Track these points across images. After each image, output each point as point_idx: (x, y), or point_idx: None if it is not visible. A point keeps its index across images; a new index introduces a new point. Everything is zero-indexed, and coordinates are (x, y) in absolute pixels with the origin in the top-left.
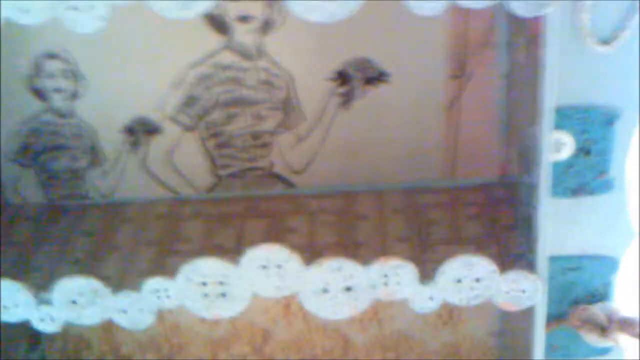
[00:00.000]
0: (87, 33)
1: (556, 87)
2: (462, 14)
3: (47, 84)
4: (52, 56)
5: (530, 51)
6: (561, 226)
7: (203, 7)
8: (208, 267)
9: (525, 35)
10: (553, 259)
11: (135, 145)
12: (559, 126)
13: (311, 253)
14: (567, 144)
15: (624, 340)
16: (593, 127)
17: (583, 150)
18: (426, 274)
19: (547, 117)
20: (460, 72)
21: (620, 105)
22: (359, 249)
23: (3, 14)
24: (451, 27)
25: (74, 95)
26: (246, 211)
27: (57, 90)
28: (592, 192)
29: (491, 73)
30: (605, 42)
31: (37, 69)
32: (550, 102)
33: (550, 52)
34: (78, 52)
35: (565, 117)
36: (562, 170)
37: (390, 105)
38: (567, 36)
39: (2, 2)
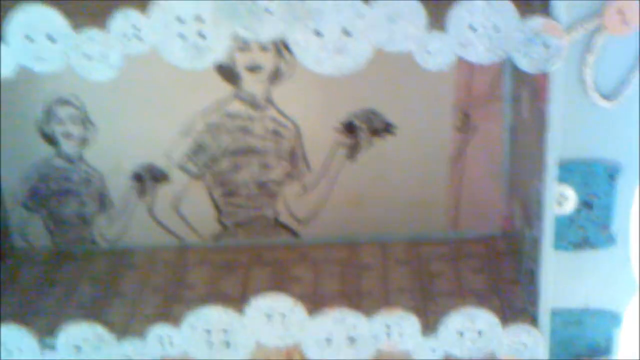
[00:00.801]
0: (100, 81)
1: (559, 141)
2: (468, 67)
3: (57, 129)
4: (63, 102)
5: (535, 105)
6: (564, 280)
7: (214, 58)
8: (212, 315)
9: (530, 89)
10: (555, 313)
11: (142, 192)
12: (562, 180)
13: (315, 303)
14: (569, 198)
15: None
16: (596, 181)
17: (586, 204)
18: (429, 326)
19: (551, 171)
20: (465, 124)
21: (623, 160)
22: (362, 300)
23: (18, 61)
24: (457, 80)
25: (84, 141)
26: (251, 259)
27: (67, 135)
28: (594, 246)
29: (496, 126)
30: (608, 97)
31: (48, 115)
32: (554, 157)
33: (555, 107)
34: (88, 98)
35: (568, 170)
36: (564, 224)
37: (395, 156)
38: (571, 91)
39: (17, 49)
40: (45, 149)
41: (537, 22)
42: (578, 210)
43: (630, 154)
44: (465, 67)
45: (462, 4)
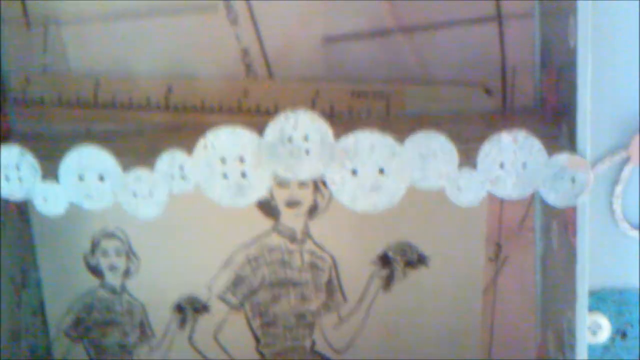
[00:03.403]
0: (145, 218)
1: (587, 272)
2: (499, 200)
3: (102, 261)
4: (108, 235)
5: (564, 236)
6: None
7: (255, 196)
8: None
9: (559, 221)
10: None
11: (183, 322)
12: (595, 308)
13: None
14: (604, 327)
15: None
16: (629, 309)
17: (619, 333)
18: None
19: (582, 302)
20: (497, 255)
21: None
22: None
23: (69, 199)
24: (488, 213)
25: (127, 273)
26: None
27: (111, 267)
28: None
29: (527, 256)
30: (638, 226)
31: (93, 247)
32: (583, 287)
33: (582, 238)
34: (132, 231)
35: (601, 299)
36: (599, 353)
37: (429, 287)
38: (601, 220)
39: (68, 187)
40: (90, 280)
41: (563, 158)
42: (612, 339)
43: None
44: (496, 199)
45: (491, 143)
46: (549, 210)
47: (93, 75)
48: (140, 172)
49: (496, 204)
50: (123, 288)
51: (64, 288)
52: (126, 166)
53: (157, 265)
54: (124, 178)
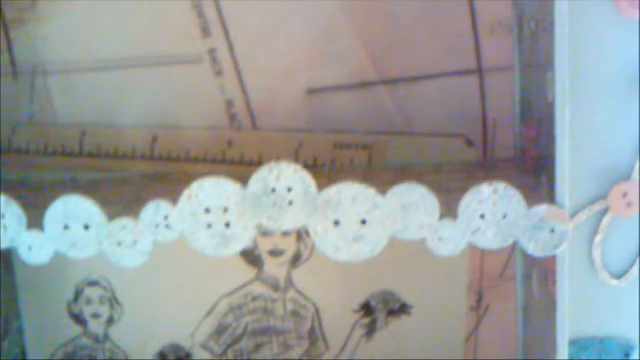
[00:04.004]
0: (130, 267)
1: (568, 321)
2: (480, 250)
3: (85, 309)
4: (92, 283)
5: (544, 285)
6: None
7: (239, 246)
8: None
9: (539, 270)
10: None
11: None
12: (575, 357)
13: None
14: None
15: None
16: (609, 358)
17: None
18: None
19: (562, 350)
20: (478, 304)
21: (636, 337)
22: None
23: (55, 248)
24: (470, 262)
25: (110, 321)
26: None
27: (94, 316)
28: None
29: (509, 305)
30: (618, 276)
31: (77, 295)
32: (563, 337)
33: (562, 288)
34: (116, 280)
35: (582, 348)
36: None
37: (411, 336)
38: (581, 270)
39: (54, 236)
40: (73, 329)
41: (542, 209)
42: None
43: None
44: (477, 249)
45: (472, 194)
46: (529, 260)
47: (79, 125)
48: (125, 222)
49: (477, 254)
50: (106, 336)
51: (46, 337)
52: (111, 215)
53: (140, 313)
54: (109, 227)
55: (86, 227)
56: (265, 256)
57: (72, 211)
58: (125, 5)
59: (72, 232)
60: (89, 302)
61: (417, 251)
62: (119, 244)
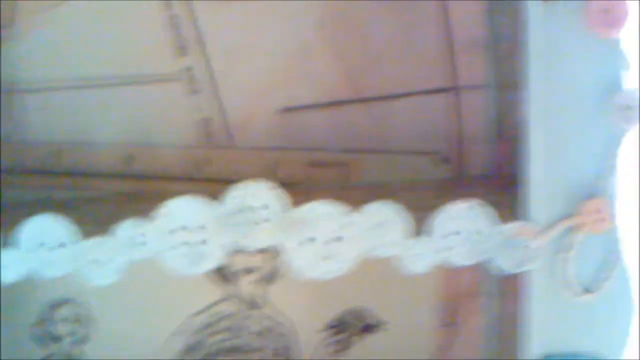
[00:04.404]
0: (103, 285)
1: (537, 337)
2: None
3: (58, 328)
4: (64, 302)
5: (515, 301)
6: None
7: (214, 263)
8: None
9: (510, 287)
10: None
11: None
12: None
13: None
14: None
15: None
16: None
17: None
18: None
19: None
20: (451, 320)
21: (606, 352)
22: None
23: (28, 267)
24: (443, 278)
25: (83, 339)
26: None
27: (67, 334)
28: None
29: (479, 322)
30: (589, 290)
31: (49, 314)
32: (533, 352)
33: (532, 304)
34: (89, 298)
35: None
36: None
37: (383, 352)
38: (552, 286)
39: (28, 254)
40: (45, 347)
41: (515, 226)
42: None
43: (613, 346)
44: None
45: (446, 211)
46: (501, 277)
47: (55, 143)
48: (100, 240)
49: (449, 270)
50: (81, 355)
51: (18, 356)
52: (86, 234)
53: (113, 331)
54: (83, 245)
55: (61, 245)
56: (240, 273)
57: (47, 229)
58: (101, 23)
59: (46, 250)
60: (62, 320)
61: (390, 268)
62: (94, 261)
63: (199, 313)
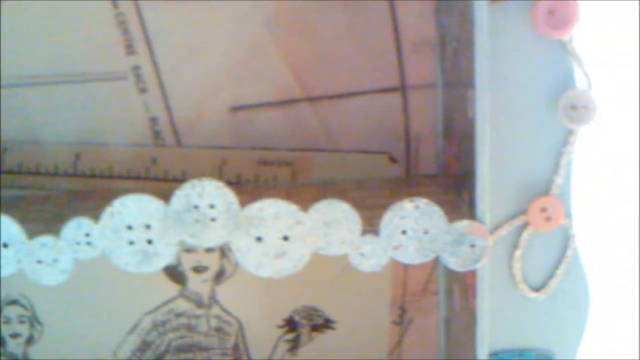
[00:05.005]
0: (50, 285)
1: (488, 334)
2: (403, 265)
3: (4, 329)
4: (10, 302)
5: (465, 299)
6: None
7: (161, 263)
8: None
9: (460, 284)
10: None
11: None
12: None
13: None
14: None
15: None
16: None
17: None
18: None
19: None
20: (401, 318)
21: (554, 349)
22: None
23: None
24: (393, 276)
25: (30, 341)
26: None
27: (13, 335)
28: None
29: (431, 319)
30: (537, 288)
31: None
32: (483, 350)
33: (482, 302)
34: (36, 297)
35: None
36: None
37: (335, 351)
38: (501, 283)
39: None
40: None
41: (463, 224)
42: None
43: (561, 343)
44: (400, 264)
45: (394, 210)
46: (450, 275)
47: (1, 141)
48: (46, 239)
49: (400, 268)
50: (25, 356)
51: None
52: (31, 233)
53: (61, 332)
54: (28, 245)
55: (5, 245)
56: (189, 272)
57: None
58: (49, 21)
59: None
60: (7, 321)
61: (340, 266)
62: (39, 262)
63: (150, 311)
